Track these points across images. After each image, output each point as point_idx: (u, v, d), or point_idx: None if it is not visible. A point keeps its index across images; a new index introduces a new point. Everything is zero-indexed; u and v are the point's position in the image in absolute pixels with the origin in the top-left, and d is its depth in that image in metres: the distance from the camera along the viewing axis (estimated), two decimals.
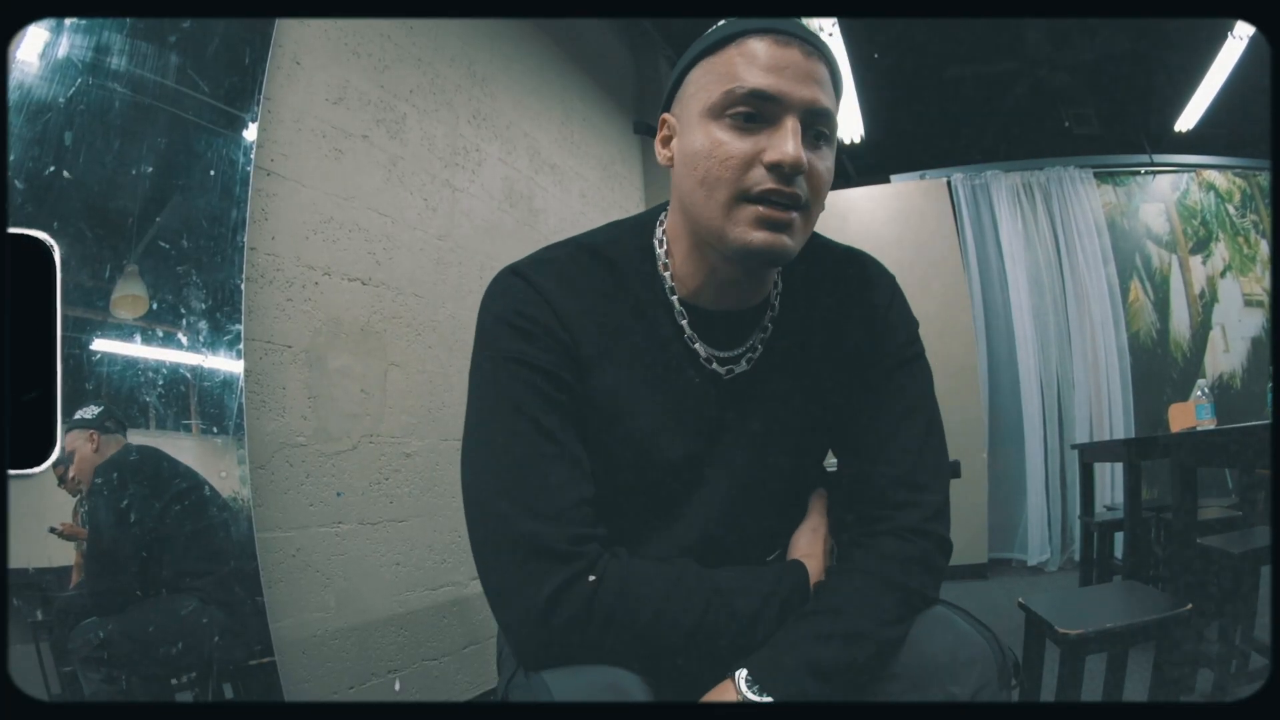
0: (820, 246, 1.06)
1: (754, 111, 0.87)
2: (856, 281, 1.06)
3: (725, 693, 0.84)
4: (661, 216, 1.04)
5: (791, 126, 0.86)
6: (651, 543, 0.98)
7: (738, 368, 1.00)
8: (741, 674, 0.83)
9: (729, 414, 1.00)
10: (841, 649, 0.85)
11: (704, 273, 0.97)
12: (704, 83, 0.91)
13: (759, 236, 0.87)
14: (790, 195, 0.87)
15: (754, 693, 0.82)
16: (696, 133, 0.90)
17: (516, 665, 0.88)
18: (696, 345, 0.99)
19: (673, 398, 0.98)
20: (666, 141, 0.98)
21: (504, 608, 0.85)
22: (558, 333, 0.92)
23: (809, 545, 1.01)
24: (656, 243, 1.01)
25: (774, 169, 0.85)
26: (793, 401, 1.03)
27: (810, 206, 0.90)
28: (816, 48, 0.89)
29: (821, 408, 1.04)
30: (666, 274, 0.99)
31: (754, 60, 0.87)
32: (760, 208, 0.87)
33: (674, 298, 0.99)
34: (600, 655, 0.82)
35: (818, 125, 0.89)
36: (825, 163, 0.90)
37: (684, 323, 0.99)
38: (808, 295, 1.05)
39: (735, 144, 0.87)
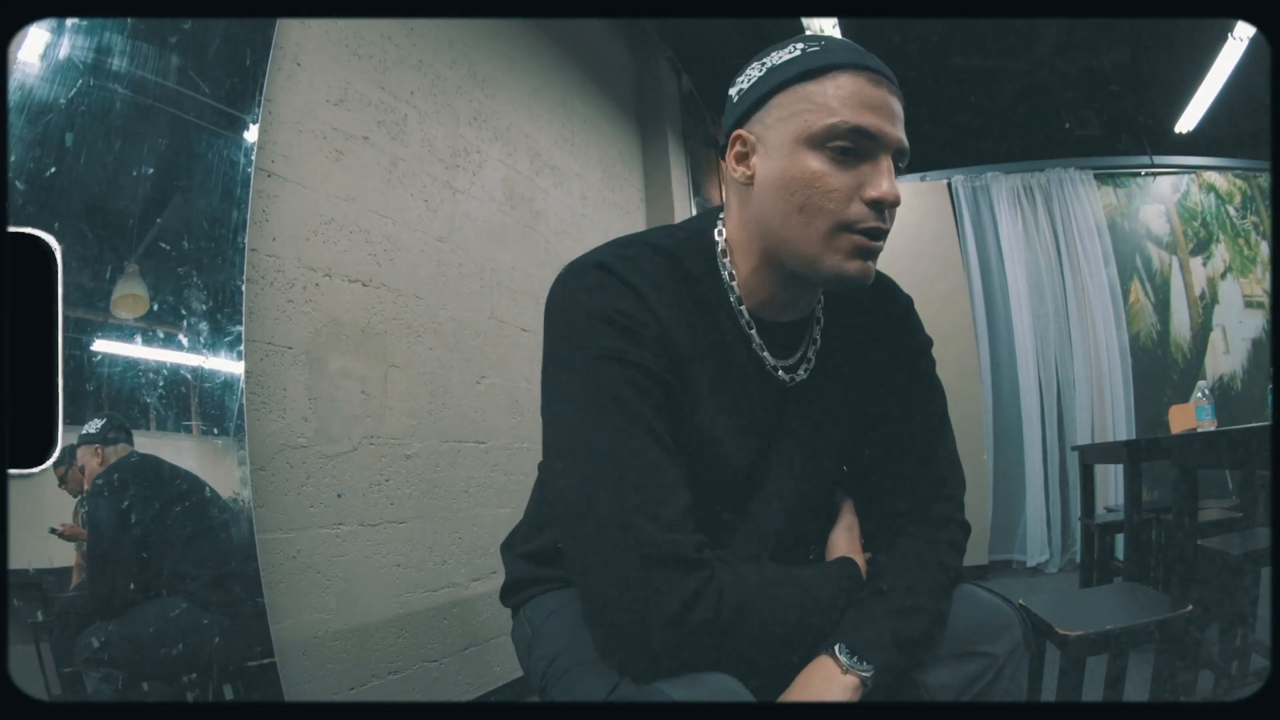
0: None
1: (853, 146, 0.91)
2: (884, 301, 1.14)
3: (825, 666, 0.90)
4: (719, 227, 1.06)
5: (887, 166, 0.92)
6: (723, 542, 1.00)
7: (797, 375, 1.06)
8: (840, 648, 0.90)
9: (788, 419, 1.06)
10: (916, 623, 0.95)
11: (769, 287, 1.02)
12: (798, 109, 0.94)
13: (855, 265, 0.93)
14: (885, 229, 0.93)
15: (854, 664, 0.89)
16: (790, 160, 0.94)
17: (618, 678, 0.86)
18: (764, 353, 1.03)
19: (741, 402, 1.02)
20: (742, 158, 1.00)
21: (623, 616, 0.84)
22: (657, 332, 0.93)
23: (849, 543, 1.09)
24: (720, 252, 1.04)
25: (875, 205, 0.92)
26: (839, 408, 1.10)
27: (888, 236, 0.96)
28: (897, 88, 0.95)
29: (861, 413, 1.12)
30: (734, 283, 1.03)
31: (855, 96, 0.92)
32: (861, 238, 0.92)
33: (741, 306, 1.02)
34: (718, 661, 0.85)
35: (900, 162, 0.95)
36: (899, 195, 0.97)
37: (752, 331, 1.03)
38: (846, 310, 1.12)
39: (837, 177, 0.92)
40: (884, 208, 0.92)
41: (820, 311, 1.10)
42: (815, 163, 0.92)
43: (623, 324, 0.91)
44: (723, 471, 1.00)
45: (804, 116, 0.93)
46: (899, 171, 0.95)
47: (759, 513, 1.03)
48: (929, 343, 1.15)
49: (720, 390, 0.99)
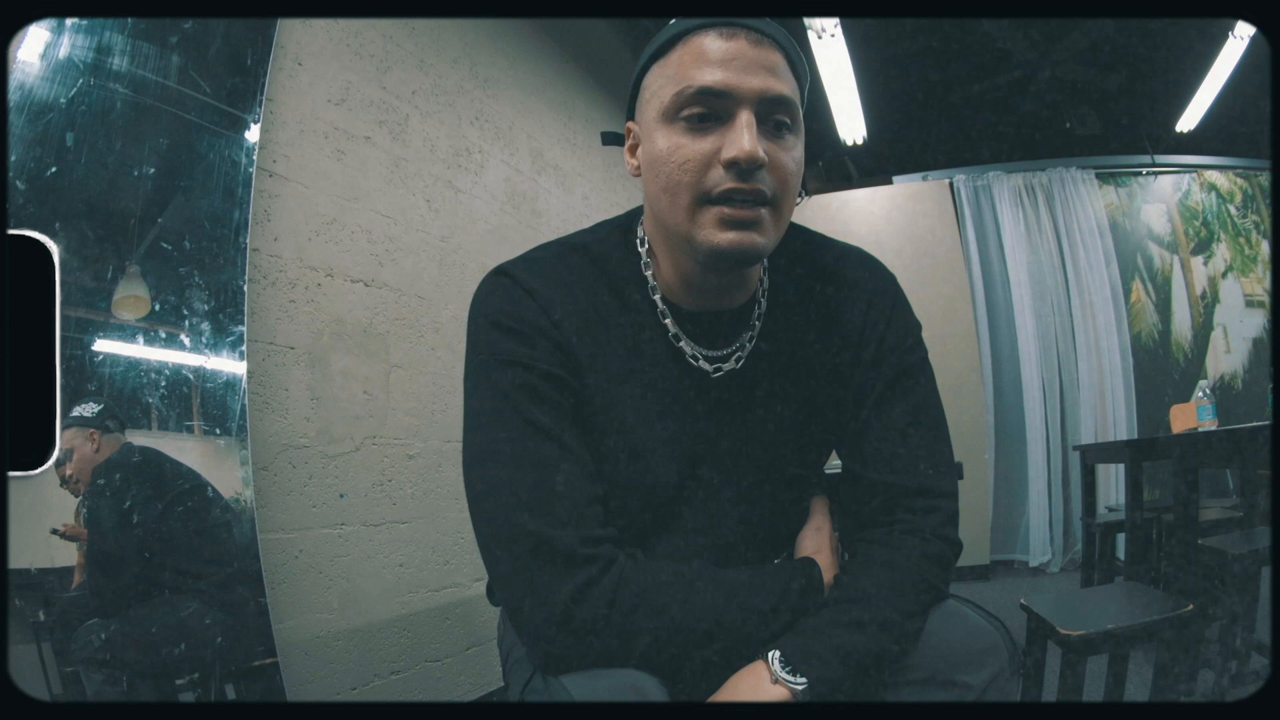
0: (817, 245, 1.07)
1: (706, 110, 0.86)
2: (856, 280, 1.05)
3: (756, 672, 0.85)
4: (641, 217, 1.04)
5: (745, 120, 0.85)
6: (656, 544, 0.98)
7: (726, 366, 1.00)
8: (775, 655, 0.85)
9: (720, 414, 1.00)
10: (870, 637, 0.87)
11: (681, 275, 0.98)
12: (656, 87, 0.91)
13: (726, 237, 0.87)
14: (753, 191, 0.86)
15: (787, 673, 0.83)
16: (656, 138, 0.90)
17: (533, 670, 0.88)
18: (682, 344, 0.99)
19: (661, 397, 0.98)
20: (634, 150, 0.98)
21: (521, 613, 0.85)
22: (550, 333, 0.92)
23: (815, 544, 1.02)
24: (639, 242, 1.01)
25: (731, 166, 0.85)
26: (788, 401, 1.03)
27: (779, 201, 0.89)
28: (767, 34, 0.88)
29: (819, 408, 1.04)
30: (649, 273, 0.99)
31: (701, 57, 0.86)
32: (724, 208, 0.86)
33: (657, 296, 0.99)
34: (619, 657, 0.83)
35: (776, 114, 0.88)
36: (791, 153, 0.89)
37: (668, 321, 0.99)
38: (801, 294, 1.04)
39: (691, 145, 0.87)
40: (742, 167, 0.84)
41: (763, 297, 1.03)
42: (673, 135, 0.87)
43: (513, 327, 0.91)
44: (647, 470, 0.96)
45: (660, 93, 0.89)
46: (783, 126, 0.88)
47: (694, 512, 1.00)
48: (913, 327, 1.05)
49: (638, 385, 0.97)
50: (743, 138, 0.84)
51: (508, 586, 0.87)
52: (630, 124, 0.99)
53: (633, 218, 1.05)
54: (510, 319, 0.91)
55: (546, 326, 0.92)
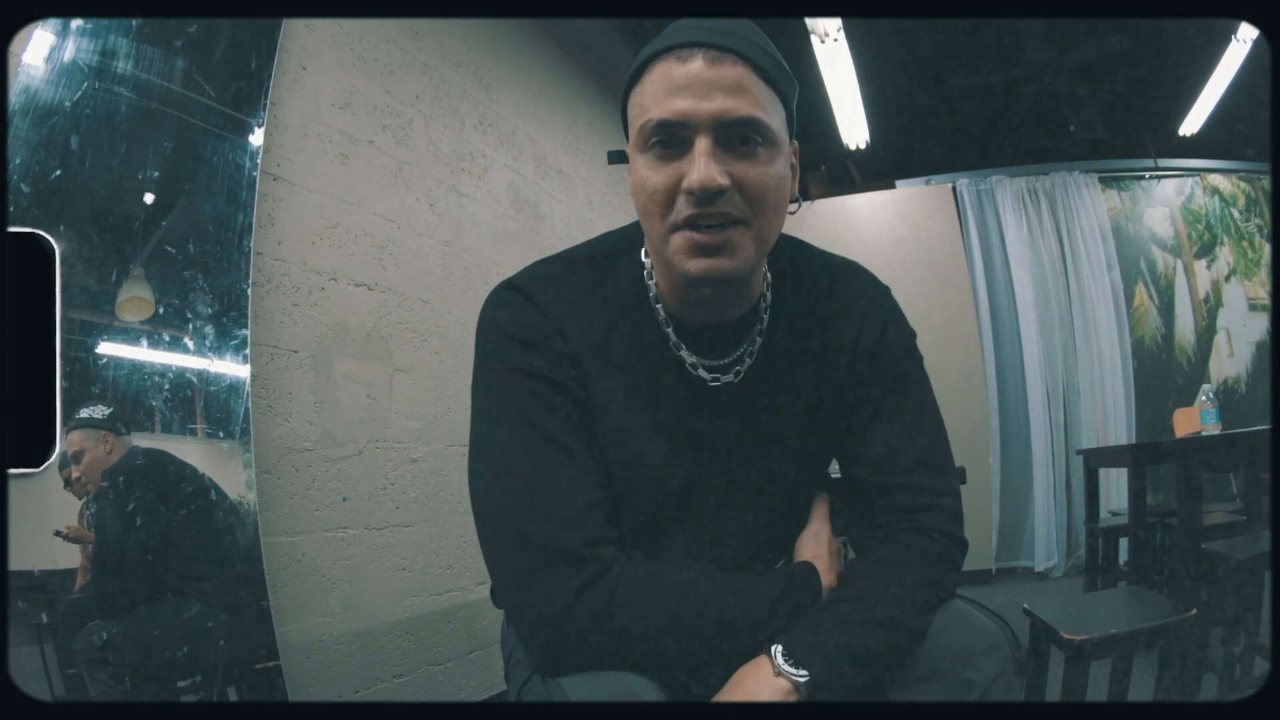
0: (814, 258, 1.09)
1: (667, 139, 0.87)
2: (851, 294, 1.07)
3: (759, 667, 0.85)
4: None
5: (702, 148, 0.85)
6: (657, 552, 1.00)
7: (725, 377, 1.01)
8: (778, 649, 0.85)
9: (721, 424, 1.02)
10: (875, 636, 0.87)
11: (678, 290, 0.99)
12: (633, 116, 0.92)
13: (695, 264, 0.88)
14: (718, 215, 0.86)
15: (790, 666, 0.84)
16: (635, 166, 0.92)
17: (531, 670, 0.88)
18: (682, 353, 1.00)
19: (662, 407, 1.00)
20: (631, 171, 0.98)
21: (521, 613, 0.86)
22: (557, 343, 0.94)
23: (814, 548, 1.02)
24: (643, 253, 1.03)
25: (689, 195, 0.85)
26: (789, 411, 1.04)
27: (753, 219, 0.89)
28: (729, 49, 0.86)
29: (820, 417, 1.05)
30: (651, 282, 1.01)
31: (659, 86, 0.87)
32: (692, 234, 0.87)
33: (659, 307, 1.00)
34: (617, 658, 0.83)
35: (742, 133, 0.87)
36: (762, 168, 0.88)
37: (669, 330, 1.00)
38: (800, 307, 1.06)
39: (656, 176, 0.88)
40: (699, 196, 0.84)
41: (764, 310, 1.04)
42: (641, 167, 0.89)
43: (522, 337, 0.93)
44: (649, 477, 0.99)
45: (634, 122, 0.91)
46: (750, 143, 0.87)
47: (695, 520, 1.02)
48: (908, 335, 1.07)
49: (642, 395, 0.98)
50: (696, 167, 0.84)
51: (508, 587, 0.88)
52: (626, 147, 1.00)
53: (638, 230, 1.05)
54: (519, 329, 0.94)
55: (554, 337, 0.94)
